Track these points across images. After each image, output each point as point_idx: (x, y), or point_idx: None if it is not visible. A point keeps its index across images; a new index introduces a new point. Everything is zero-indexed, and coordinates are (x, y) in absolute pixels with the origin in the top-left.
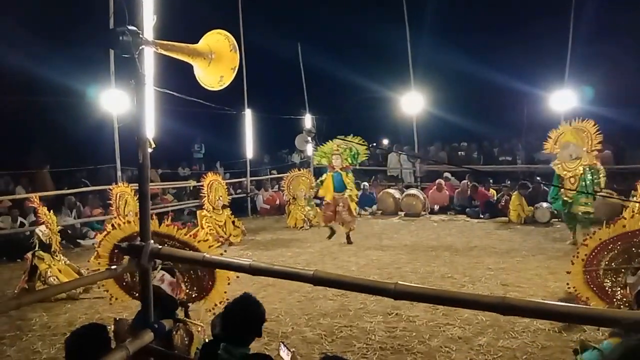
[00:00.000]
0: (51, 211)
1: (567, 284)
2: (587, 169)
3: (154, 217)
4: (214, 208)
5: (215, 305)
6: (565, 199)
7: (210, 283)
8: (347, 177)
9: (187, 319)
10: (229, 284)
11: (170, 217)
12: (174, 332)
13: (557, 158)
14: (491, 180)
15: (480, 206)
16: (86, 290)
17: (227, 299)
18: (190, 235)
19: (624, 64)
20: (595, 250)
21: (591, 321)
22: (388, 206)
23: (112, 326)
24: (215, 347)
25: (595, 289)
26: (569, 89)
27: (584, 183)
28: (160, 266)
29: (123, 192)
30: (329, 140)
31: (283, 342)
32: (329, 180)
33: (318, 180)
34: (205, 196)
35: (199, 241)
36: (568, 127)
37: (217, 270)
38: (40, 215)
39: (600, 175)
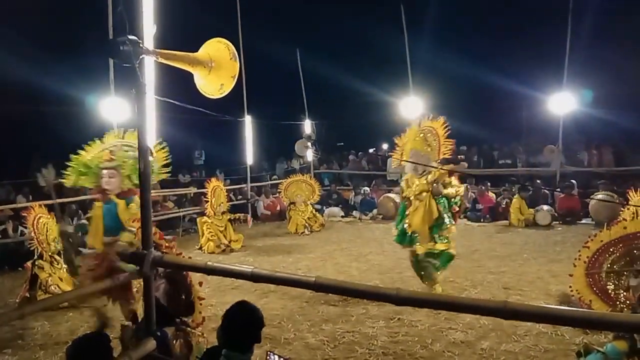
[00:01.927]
0: (47, 220)
1: (570, 287)
2: (440, 186)
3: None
4: (215, 214)
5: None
6: (407, 228)
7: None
8: (128, 208)
9: (189, 329)
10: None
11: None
12: (175, 341)
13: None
14: (489, 184)
15: (483, 210)
16: None
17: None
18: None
19: (622, 67)
20: (597, 253)
21: (594, 325)
22: (388, 210)
23: (120, 332)
24: (217, 354)
25: (597, 291)
26: (567, 92)
27: (442, 213)
28: (162, 274)
29: None
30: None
31: (272, 352)
32: (97, 215)
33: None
34: (208, 202)
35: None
36: (413, 129)
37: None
38: (29, 227)
39: (458, 198)
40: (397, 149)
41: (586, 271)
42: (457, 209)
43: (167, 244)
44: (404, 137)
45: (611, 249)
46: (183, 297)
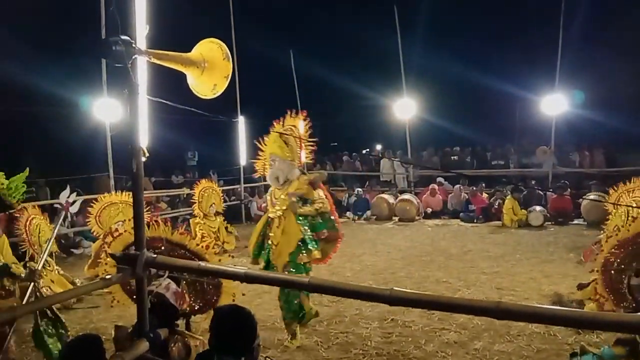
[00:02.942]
0: (41, 221)
1: (595, 286)
2: (299, 202)
3: (169, 223)
4: (204, 215)
5: None
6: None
7: (215, 298)
8: None
9: (187, 332)
10: (233, 299)
11: (184, 226)
12: (172, 345)
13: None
14: (483, 184)
15: (476, 211)
16: (80, 300)
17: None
18: (202, 247)
19: (613, 69)
20: (611, 252)
21: (586, 325)
22: (382, 211)
23: (113, 332)
24: (210, 357)
25: (610, 291)
26: (559, 94)
27: (304, 235)
28: (167, 273)
29: (115, 202)
30: None
31: (266, 356)
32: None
33: None
34: (196, 203)
35: (209, 253)
36: (275, 129)
37: (223, 285)
38: (20, 227)
39: (325, 216)
40: (260, 156)
41: (602, 268)
42: (326, 233)
43: (201, 244)
44: (266, 140)
45: (622, 249)
46: (186, 297)
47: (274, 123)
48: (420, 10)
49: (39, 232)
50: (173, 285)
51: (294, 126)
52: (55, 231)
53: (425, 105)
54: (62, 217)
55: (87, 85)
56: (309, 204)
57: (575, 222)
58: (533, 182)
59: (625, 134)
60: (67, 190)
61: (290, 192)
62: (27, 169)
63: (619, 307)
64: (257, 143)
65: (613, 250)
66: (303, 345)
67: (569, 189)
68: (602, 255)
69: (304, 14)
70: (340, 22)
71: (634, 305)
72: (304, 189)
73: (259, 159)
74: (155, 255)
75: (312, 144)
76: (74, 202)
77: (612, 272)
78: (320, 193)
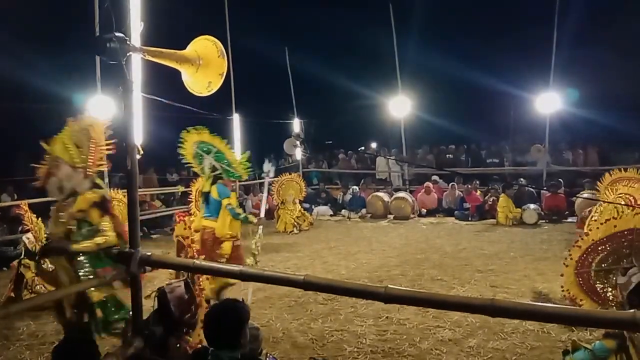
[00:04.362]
0: (39, 219)
1: (561, 287)
2: (77, 224)
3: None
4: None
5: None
6: None
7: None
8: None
9: (189, 338)
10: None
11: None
12: (175, 345)
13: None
14: (478, 182)
15: (471, 209)
16: None
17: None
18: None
19: (607, 67)
20: (587, 252)
21: (579, 322)
22: (377, 209)
23: None
24: (205, 353)
25: (587, 291)
26: (554, 92)
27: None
28: (185, 277)
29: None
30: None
31: (270, 354)
32: None
33: None
34: (192, 201)
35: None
36: (67, 128)
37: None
38: (27, 222)
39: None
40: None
41: (576, 270)
42: (111, 271)
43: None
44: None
45: (600, 248)
46: (193, 308)
47: (70, 120)
48: (415, 8)
49: (38, 230)
50: (180, 290)
51: (92, 125)
52: (265, 198)
53: (420, 103)
54: (266, 186)
55: (80, 82)
56: (91, 234)
57: (569, 220)
58: (523, 180)
59: (619, 132)
60: (267, 162)
61: (71, 213)
62: (249, 151)
63: (603, 306)
64: (42, 144)
65: (584, 254)
66: (298, 343)
67: (562, 187)
68: (572, 261)
69: (299, 12)
70: (336, 19)
71: (621, 303)
72: (85, 211)
73: (42, 164)
74: (149, 253)
75: (108, 148)
76: (268, 171)
77: (589, 273)
78: (106, 221)
